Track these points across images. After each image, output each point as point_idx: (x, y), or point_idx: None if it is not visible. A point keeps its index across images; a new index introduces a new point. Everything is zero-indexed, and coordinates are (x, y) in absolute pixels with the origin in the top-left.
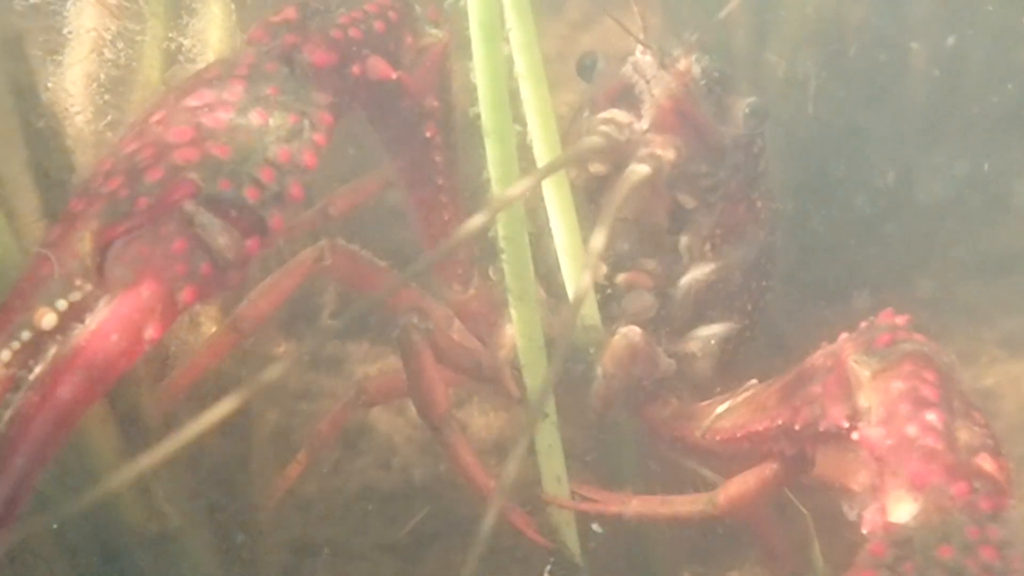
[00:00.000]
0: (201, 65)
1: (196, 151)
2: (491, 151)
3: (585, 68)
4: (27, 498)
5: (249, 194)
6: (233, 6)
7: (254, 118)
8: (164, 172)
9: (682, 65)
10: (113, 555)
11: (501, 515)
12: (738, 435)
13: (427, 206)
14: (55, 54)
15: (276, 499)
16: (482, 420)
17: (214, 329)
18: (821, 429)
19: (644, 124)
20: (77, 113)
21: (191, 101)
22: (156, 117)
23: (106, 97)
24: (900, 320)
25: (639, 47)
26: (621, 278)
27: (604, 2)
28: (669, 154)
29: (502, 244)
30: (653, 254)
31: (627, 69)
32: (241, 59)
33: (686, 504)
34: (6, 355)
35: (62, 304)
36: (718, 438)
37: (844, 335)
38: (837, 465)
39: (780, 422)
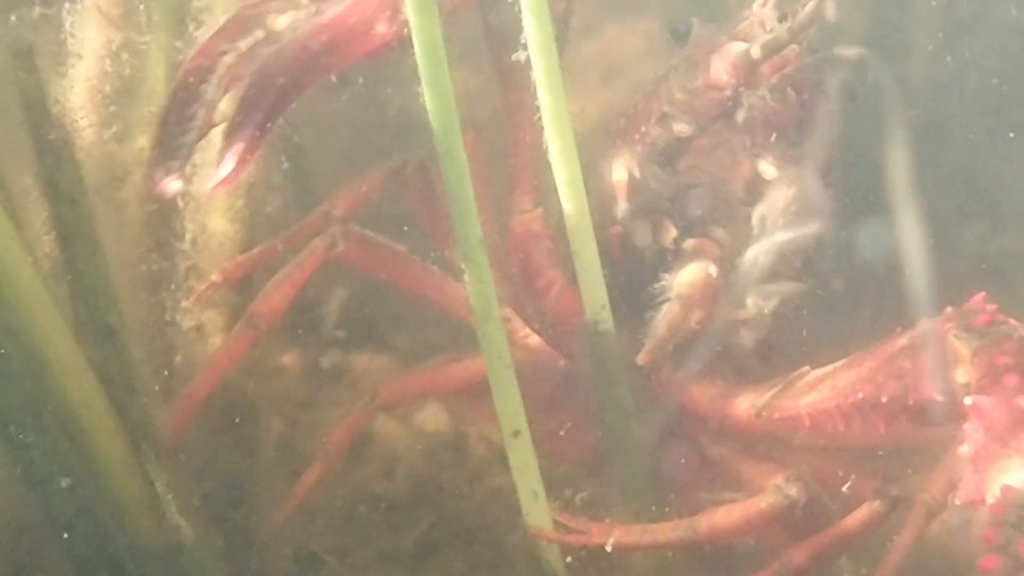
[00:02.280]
0: None
1: None
2: (446, 172)
3: (680, 34)
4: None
5: None
6: None
7: None
8: None
9: (804, 15)
10: (122, 568)
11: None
12: (803, 413)
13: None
14: (60, 66)
15: (288, 510)
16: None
17: (220, 338)
18: (911, 402)
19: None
20: (86, 127)
21: None
22: None
23: (111, 108)
24: (991, 306)
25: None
26: (688, 244)
27: (607, 8)
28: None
29: (463, 265)
30: (724, 224)
31: (746, 22)
32: None
33: (667, 531)
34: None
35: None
36: (777, 416)
37: (925, 320)
38: None
39: (860, 396)
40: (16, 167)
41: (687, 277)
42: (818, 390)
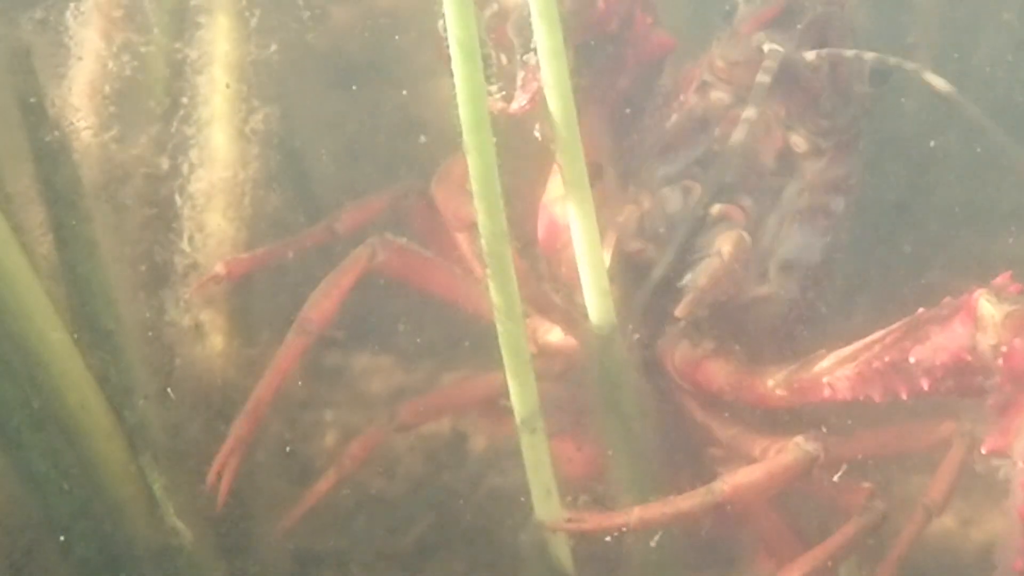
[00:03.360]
0: (207, 77)
1: None
2: (472, 167)
3: (726, 14)
4: None
5: None
6: (247, 16)
7: None
8: None
9: None
10: (120, 570)
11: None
12: (824, 381)
13: None
14: (59, 67)
15: (295, 517)
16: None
17: (220, 339)
18: (938, 362)
19: (791, 47)
20: (85, 128)
21: None
22: None
23: (111, 109)
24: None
25: None
26: (716, 209)
27: None
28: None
29: (486, 259)
30: (752, 193)
31: None
32: None
33: (688, 500)
34: None
35: None
36: (796, 386)
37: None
38: None
39: (887, 359)
40: (14, 169)
41: (726, 237)
42: (839, 362)
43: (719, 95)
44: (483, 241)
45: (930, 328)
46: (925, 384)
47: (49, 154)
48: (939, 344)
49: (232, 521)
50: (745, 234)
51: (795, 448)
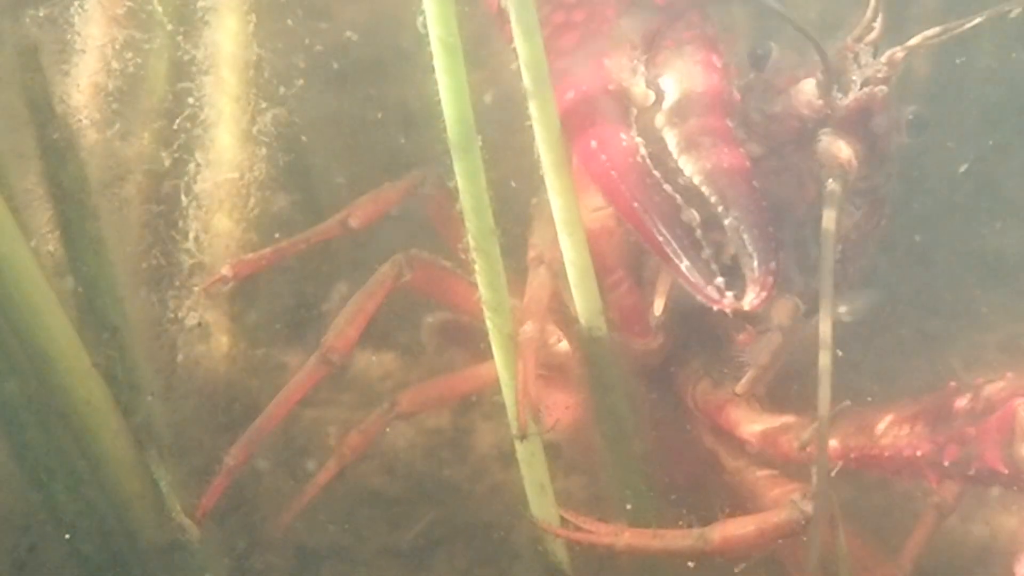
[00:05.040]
0: (213, 78)
1: None
2: (457, 163)
3: (758, 58)
4: None
5: None
6: (253, 18)
7: None
8: None
9: (896, 56)
10: (126, 567)
11: None
12: (852, 456)
13: None
14: (64, 64)
15: (296, 509)
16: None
17: (224, 339)
18: (972, 472)
19: (836, 115)
20: (88, 126)
21: None
22: None
23: (114, 107)
24: None
25: (850, 37)
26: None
27: None
28: (853, 164)
29: (473, 255)
30: (783, 243)
31: (837, 53)
32: None
33: (677, 539)
34: None
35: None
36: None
37: (987, 385)
38: None
39: (919, 454)
40: (20, 166)
41: (783, 309)
42: (868, 435)
43: (752, 148)
44: (470, 238)
45: (966, 430)
46: (957, 482)
47: (56, 151)
48: (975, 452)
49: (237, 517)
50: (799, 301)
51: (791, 507)
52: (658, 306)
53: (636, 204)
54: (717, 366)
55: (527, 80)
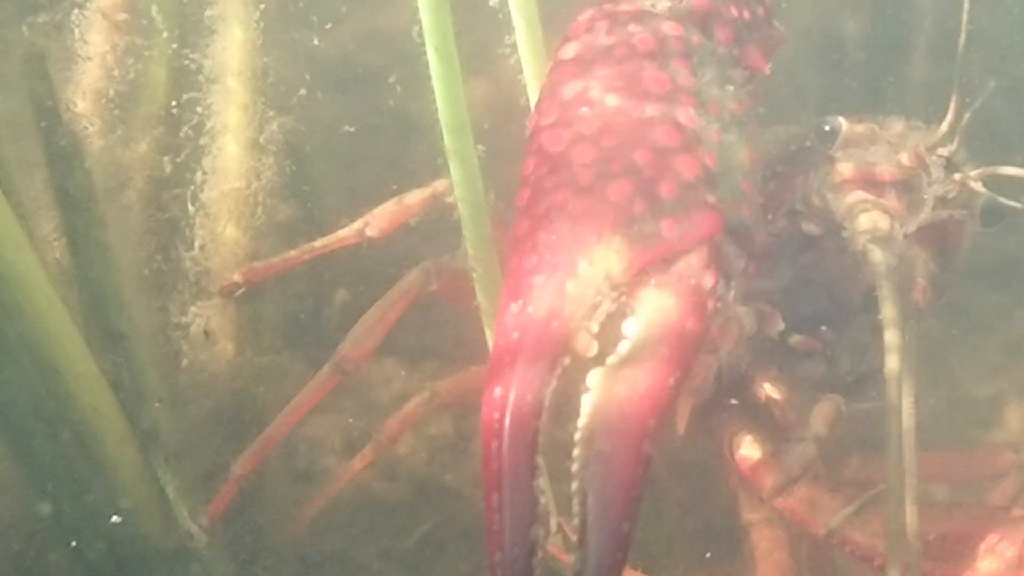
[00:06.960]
0: (220, 87)
1: (694, 162)
2: (454, 171)
3: (825, 135)
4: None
5: (746, 213)
6: (261, 26)
7: (714, 110)
8: (678, 190)
9: (975, 175)
10: (130, 572)
11: None
12: (880, 549)
13: None
14: (66, 71)
15: (319, 503)
16: None
17: (230, 347)
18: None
19: (909, 228)
20: (92, 132)
21: (651, 86)
22: (610, 99)
23: (115, 112)
24: None
25: (923, 143)
26: (794, 339)
27: None
28: (924, 277)
29: (471, 264)
30: (835, 325)
31: (906, 161)
32: (665, 29)
33: None
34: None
35: (595, 326)
36: (848, 544)
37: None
38: None
39: (950, 565)
40: (26, 174)
41: (824, 415)
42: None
43: (810, 227)
44: (467, 245)
45: (1003, 548)
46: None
47: (62, 158)
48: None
49: (244, 523)
50: (841, 404)
51: None
52: (680, 425)
53: (494, 467)
54: (758, 427)
55: (528, 76)
